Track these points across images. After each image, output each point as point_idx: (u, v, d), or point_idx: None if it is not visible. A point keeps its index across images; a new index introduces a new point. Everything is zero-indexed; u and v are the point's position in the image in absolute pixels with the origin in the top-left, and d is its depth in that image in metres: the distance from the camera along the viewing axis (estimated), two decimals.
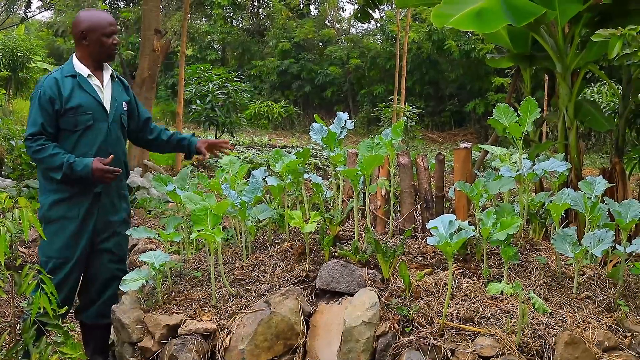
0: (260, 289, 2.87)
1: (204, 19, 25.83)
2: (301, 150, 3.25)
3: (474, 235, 2.70)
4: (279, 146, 14.55)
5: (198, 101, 12.08)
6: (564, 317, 2.54)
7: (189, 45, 22.20)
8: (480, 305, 2.59)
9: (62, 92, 3.01)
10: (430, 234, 2.53)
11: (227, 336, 2.66)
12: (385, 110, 16.18)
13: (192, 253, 3.52)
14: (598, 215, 2.98)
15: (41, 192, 3.12)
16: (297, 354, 2.66)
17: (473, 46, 19.03)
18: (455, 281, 2.75)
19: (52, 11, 24.61)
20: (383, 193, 3.35)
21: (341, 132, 3.25)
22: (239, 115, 12.99)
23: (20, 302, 3.53)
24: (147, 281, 2.91)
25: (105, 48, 3.11)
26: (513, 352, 2.34)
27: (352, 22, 25.91)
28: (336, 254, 2.95)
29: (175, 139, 3.48)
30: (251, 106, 16.65)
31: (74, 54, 3.16)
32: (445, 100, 22.05)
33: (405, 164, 3.33)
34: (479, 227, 2.88)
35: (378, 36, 24.07)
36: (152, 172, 8.19)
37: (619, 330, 2.53)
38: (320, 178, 3.49)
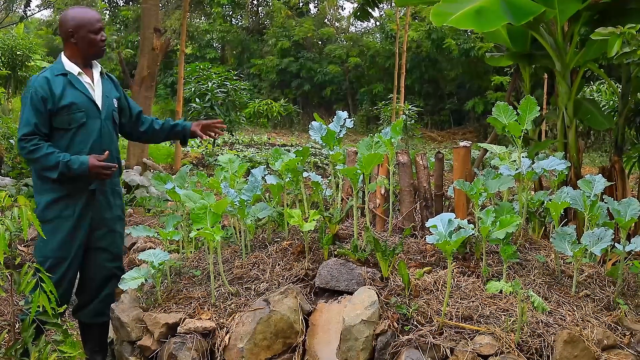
0: (259, 287, 2.87)
1: (203, 17, 25.80)
2: (300, 149, 3.25)
3: (473, 234, 2.70)
4: (278, 145, 14.54)
5: (197, 100, 12.08)
6: (563, 316, 2.54)
7: (189, 43, 22.15)
8: (480, 304, 2.59)
9: (54, 91, 3.00)
10: (430, 232, 2.53)
11: (226, 335, 2.66)
12: (385, 108, 16.16)
13: (191, 251, 3.52)
14: (597, 214, 2.98)
15: (36, 192, 3.10)
16: (296, 353, 2.66)
17: (472, 45, 18.99)
18: (454, 280, 2.75)
19: (52, 10, 24.57)
20: (382, 192, 3.35)
21: (340, 130, 3.26)
22: (238, 113, 12.98)
23: (20, 300, 3.53)
24: (146, 280, 2.91)
25: (93, 45, 3.10)
26: (512, 350, 2.34)
27: (351, 21, 25.86)
28: (335, 252, 2.95)
29: (168, 126, 3.47)
30: (250, 105, 16.61)
31: (62, 53, 3.14)
32: (445, 98, 22.02)
33: (404, 163, 3.33)
34: (478, 225, 2.88)
35: (377, 35, 24.00)
36: (152, 170, 8.18)
37: (618, 329, 2.54)
38: (320, 176, 3.50)
